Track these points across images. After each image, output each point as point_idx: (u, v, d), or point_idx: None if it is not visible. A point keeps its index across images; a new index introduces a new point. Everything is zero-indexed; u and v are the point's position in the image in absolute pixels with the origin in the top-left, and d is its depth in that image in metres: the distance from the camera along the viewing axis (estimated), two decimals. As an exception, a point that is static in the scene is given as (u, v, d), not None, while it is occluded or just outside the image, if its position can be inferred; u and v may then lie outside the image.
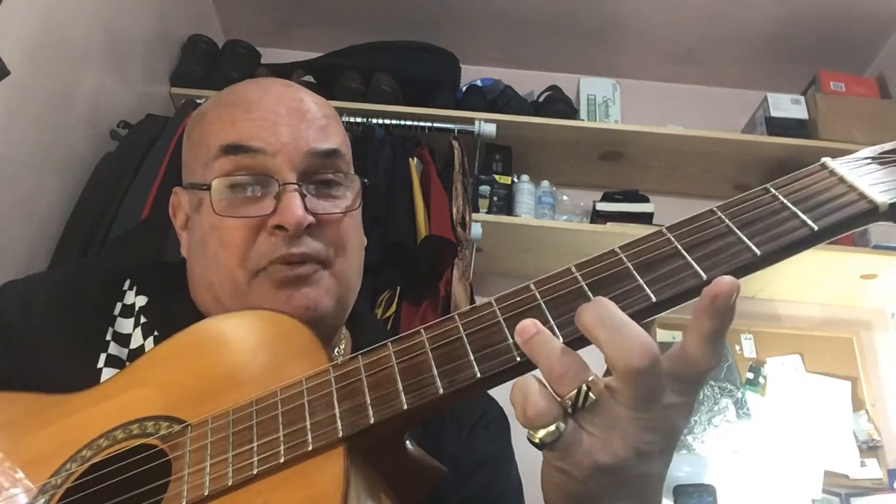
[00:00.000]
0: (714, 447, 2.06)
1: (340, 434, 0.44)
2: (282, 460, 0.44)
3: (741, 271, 0.43)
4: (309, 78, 2.20)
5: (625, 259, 0.45)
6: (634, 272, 0.44)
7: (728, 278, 0.41)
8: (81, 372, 0.63)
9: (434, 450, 0.52)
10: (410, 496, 0.49)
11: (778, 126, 2.17)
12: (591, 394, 0.42)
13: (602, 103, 2.26)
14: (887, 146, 0.47)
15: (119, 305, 0.69)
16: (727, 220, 0.45)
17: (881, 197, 0.43)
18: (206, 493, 0.45)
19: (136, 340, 0.67)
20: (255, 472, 0.44)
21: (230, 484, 0.45)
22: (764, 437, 2.06)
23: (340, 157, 0.69)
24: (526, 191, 2.13)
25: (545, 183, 2.20)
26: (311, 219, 0.63)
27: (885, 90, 2.32)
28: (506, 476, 0.73)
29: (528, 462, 0.79)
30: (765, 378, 2.15)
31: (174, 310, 0.69)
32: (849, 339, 2.22)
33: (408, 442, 0.49)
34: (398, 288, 1.71)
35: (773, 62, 2.43)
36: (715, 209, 0.46)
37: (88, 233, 1.63)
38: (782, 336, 2.22)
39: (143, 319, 0.68)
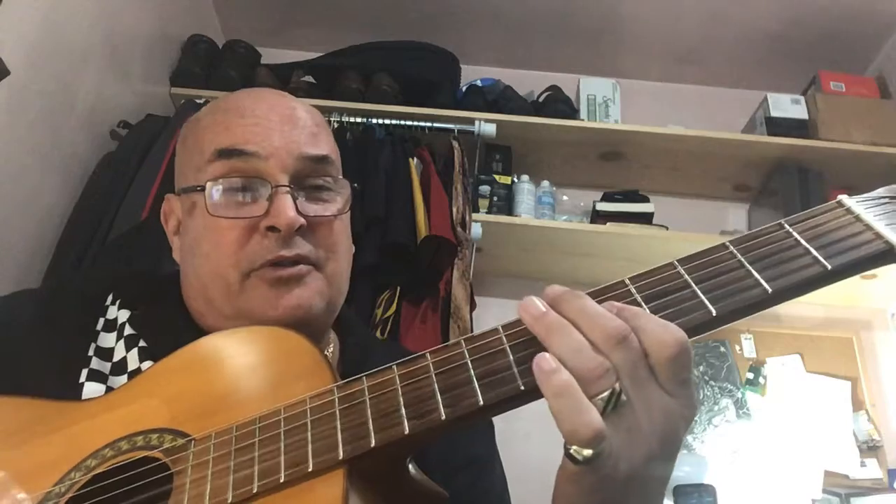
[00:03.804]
0: (714, 447, 2.06)
1: (341, 457, 0.44)
2: (282, 480, 0.44)
3: (752, 308, 0.43)
4: (309, 78, 2.20)
5: (633, 290, 0.46)
6: (642, 302, 0.45)
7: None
8: (63, 388, 0.63)
9: (422, 450, 0.52)
10: None
11: (778, 126, 2.17)
12: (622, 395, 0.41)
13: (602, 103, 2.26)
14: None
15: (101, 321, 0.70)
16: (739, 255, 0.45)
17: None
18: None
19: (119, 353, 0.67)
20: (255, 490, 0.44)
21: (230, 501, 0.45)
22: (764, 437, 2.06)
23: (330, 164, 0.70)
24: (526, 191, 2.13)
25: (545, 183, 2.20)
26: (302, 220, 0.65)
27: (885, 90, 2.32)
28: (491, 474, 0.74)
29: (516, 464, 0.79)
30: (765, 378, 2.15)
31: (163, 319, 0.69)
32: (849, 339, 2.22)
33: (410, 466, 0.48)
34: (398, 288, 1.71)
35: (773, 62, 2.43)
36: (727, 244, 0.46)
37: (88, 233, 1.63)
38: (782, 336, 2.22)
39: (127, 331, 0.68)
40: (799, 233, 0.45)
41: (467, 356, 0.45)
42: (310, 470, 0.44)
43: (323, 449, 0.44)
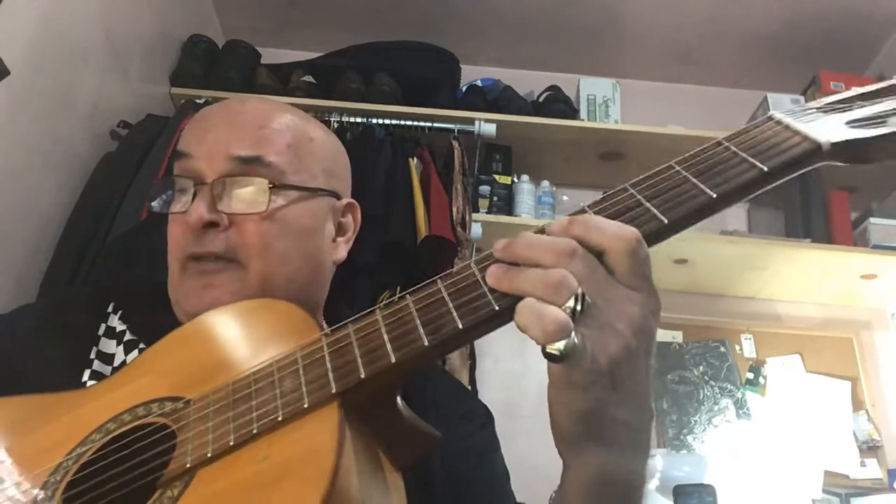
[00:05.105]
0: (714, 447, 2.06)
1: (334, 390, 0.46)
2: (280, 418, 0.46)
3: (699, 213, 0.47)
4: (309, 78, 2.20)
5: (592, 214, 0.50)
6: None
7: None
8: (66, 387, 0.64)
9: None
10: (405, 457, 0.52)
11: (778, 126, 2.17)
12: (587, 297, 0.44)
13: (602, 103, 2.26)
14: (830, 98, 0.52)
15: (103, 326, 0.73)
16: (684, 172, 0.49)
17: (824, 137, 0.47)
18: (209, 454, 0.47)
19: (119, 358, 0.70)
20: (255, 430, 0.46)
21: (232, 444, 0.46)
22: (764, 437, 2.07)
23: (265, 166, 0.71)
24: (526, 191, 2.13)
25: (545, 183, 2.20)
26: (207, 217, 0.68)
27: (885, 90, 2.32)
28: (491, 463, 0.75)
29: (518, 460, 0.79)
30: (765, 378, 2.16)
31: (162, 323, 0.70)
32: (849, 339, 2.22)
33: (400, 403, 0.50)
34: (398, 288, 1.71)
35: (773, 62, 2.43)
36: (673, 164, 0.51)
37: (88, 232, 1.63)
38: (782, 336, 2.22)
39: (126, 337, 0.71)
40: (736, 146, 0.49)
41: (444, 291, 0.48)
42: (305, 406, 0.46)
43: (316, 387, 0.47)
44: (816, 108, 0.51)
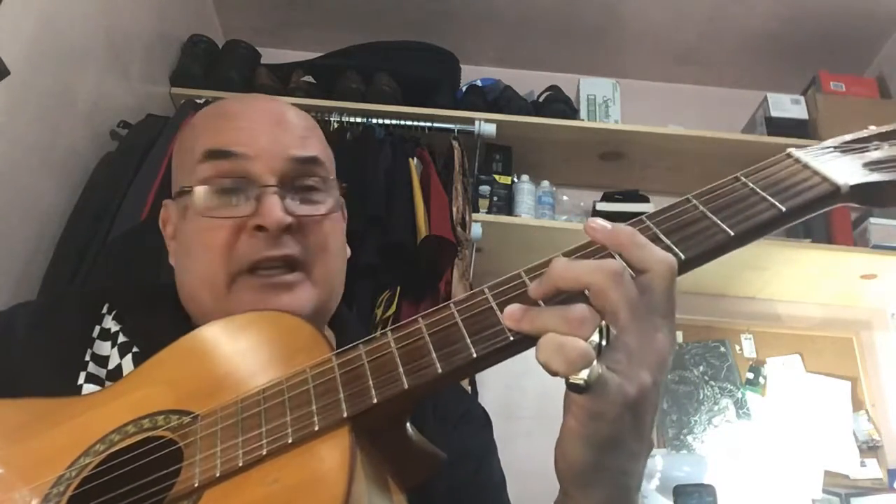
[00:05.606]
0: (714, 447, 2.06)
1: (345, 414, 0.45)
2: (290, 441, 0.46)
3: (718, 251, 0.47)
4: (309, 78, 2.20)
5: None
6: (615, 255, 0.49)
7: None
8: (62, 390, 0.64)
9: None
10: (411, 480, 0.51)
11: (778, 126, 2.17)
12: (612, 328, 0.43)
13: (602, 103, 2.26)
14: (848, 137, 0.52)
15: (97, 328, 0.71)
16: (702, 207, 0.48)
17: (842, 179, 0.47)
18: (217, 475, 0.46)
19: (114, 361, 0.68)
20: (264, 452, 0.46)
21: (241, 465, 0.46)
22: (764, 437, 2.06)
23: (320, 165, 0.71)
24: (526, 191, 2.13)
25: (545, 183, 2.20)
26: (289, 219, 0.65)
27: (885, 90, 2.32)
28: (489, 468, 0.74)
29: (517, 462, 0.79)
30: (765, 378, 2.16)
31: (158, 325, 0.69)
32: (849, 339, 2.22)
33: (409, 427, 0.50)
34: (398, 288, 1.71)
35: (773, 62, 2.43)
36: (690, 197, 0.50)
37: (88, 233, 1.63)
38: (782, 336, 2.22)
39: (120, 339, 0.69)
40: (754, 183, 0.49)
41: (457, 316, 0.47)
42: (316, 429, 0.45)
43: (327, 409, 0.46)
44: (834, 147, 0.51)
